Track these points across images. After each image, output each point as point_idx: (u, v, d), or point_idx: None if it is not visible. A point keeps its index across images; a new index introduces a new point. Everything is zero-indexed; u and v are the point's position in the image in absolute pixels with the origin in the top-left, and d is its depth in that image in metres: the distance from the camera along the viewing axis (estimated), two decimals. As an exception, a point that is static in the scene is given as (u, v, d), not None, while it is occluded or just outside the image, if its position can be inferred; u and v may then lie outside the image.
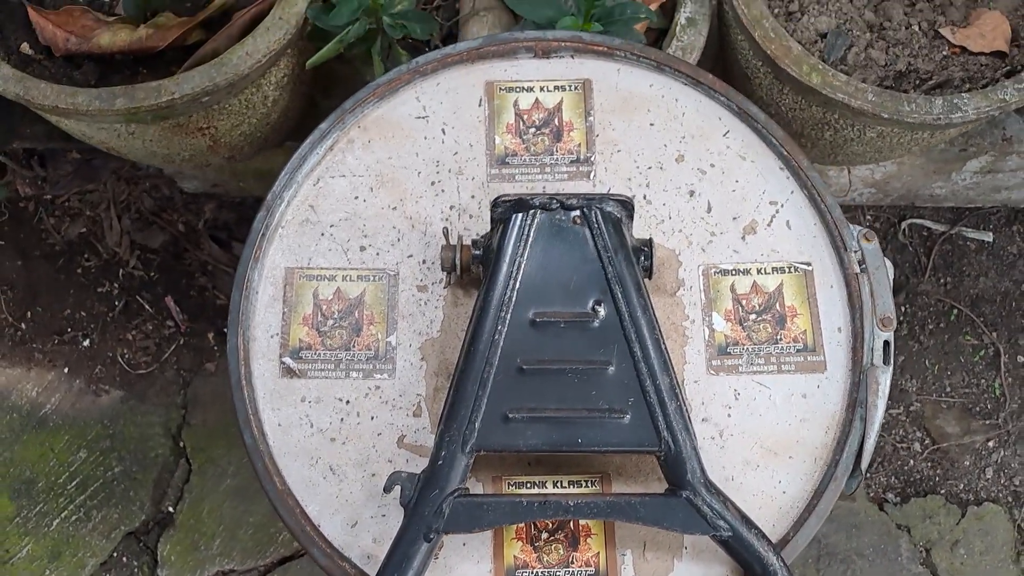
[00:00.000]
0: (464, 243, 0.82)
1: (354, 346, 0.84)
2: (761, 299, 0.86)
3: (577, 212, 0.79)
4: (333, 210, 0.88)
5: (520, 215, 0.78)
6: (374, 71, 1.13)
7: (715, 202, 0.89)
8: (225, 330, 0.89)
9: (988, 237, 1.63)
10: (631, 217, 0.81)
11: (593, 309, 0.77)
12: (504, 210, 0.79)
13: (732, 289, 0.86)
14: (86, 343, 1.52)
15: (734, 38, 1.19)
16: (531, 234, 0.79)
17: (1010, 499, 1.53)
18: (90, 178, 1.54)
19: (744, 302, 0.86)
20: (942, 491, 1.55)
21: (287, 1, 1.06)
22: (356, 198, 0.88)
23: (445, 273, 0.85)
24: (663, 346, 0.76)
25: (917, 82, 1.18)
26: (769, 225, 0.88)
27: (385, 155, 0.89)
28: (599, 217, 0.78)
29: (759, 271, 0.87)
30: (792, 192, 0.89)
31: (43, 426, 1.48)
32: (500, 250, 0.78)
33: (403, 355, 0.84)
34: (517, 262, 0.78)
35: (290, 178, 0.87)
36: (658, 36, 1.21)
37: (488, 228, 0.85)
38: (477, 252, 0.82)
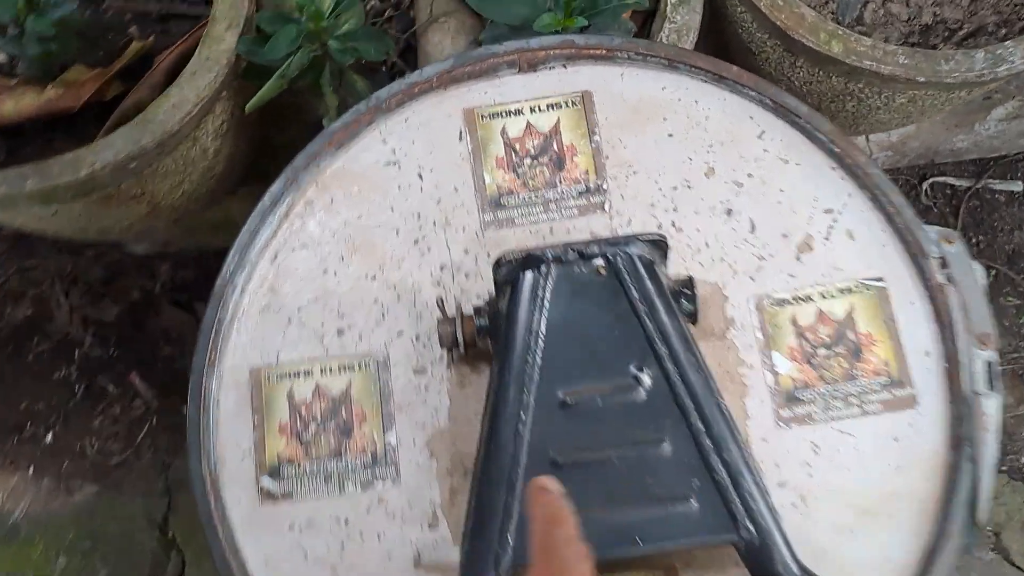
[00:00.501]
0: (465, 312, 0.66)
1: (346, 452, 0.68)
2: (829, 329, 0.70)
3: (600, 261, 0.63)
4: (299, 290, 0.71)
5: (531, 273, 0.63)
6: (326, 104, 0.96)
7: (759, 219, 0.73)
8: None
9: (1018, 187, 1.48)
10: (665, 256, 0.65)
11: (635, 377, 0.62)
12: (510, 270, 0.63)
13: (793, 321, 0.71)
14: (49, 438, 1.35)
15: (732, 11, 1.02)
16: (547, 295, 0.63)
17: (1082, 470, 1.39)
18: (28, 254, 1.37)
19: (810, 335, 0.70)
20: (1004, 468, 1.41)
21: (212, 37, 0.89)
22: (325, 272, 0.72)
23: (445, 350, 0.69)
24: (726, 411, 0.61)
25: (946, 34, 1.03)
26: (827, 239, 0.73)
27: (353, 215, 0.73)
28: (628, 264, 0.63)
29: (823, 295, 0.71)
30: (849, 195, 0.73)
31: (14, 536, 1.32)
32: (511, 319, 0.63)
33: (407, 455, 0.68)
34: (534, 331, 0.62)
35: (241, 258, 0.71)
36: (644, 19, 1.05)
37: (491, 286, 0.69)
38: (482, 322, 0.66)
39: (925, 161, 1.48)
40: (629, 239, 0.63)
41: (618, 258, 0.63)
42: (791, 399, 0.69)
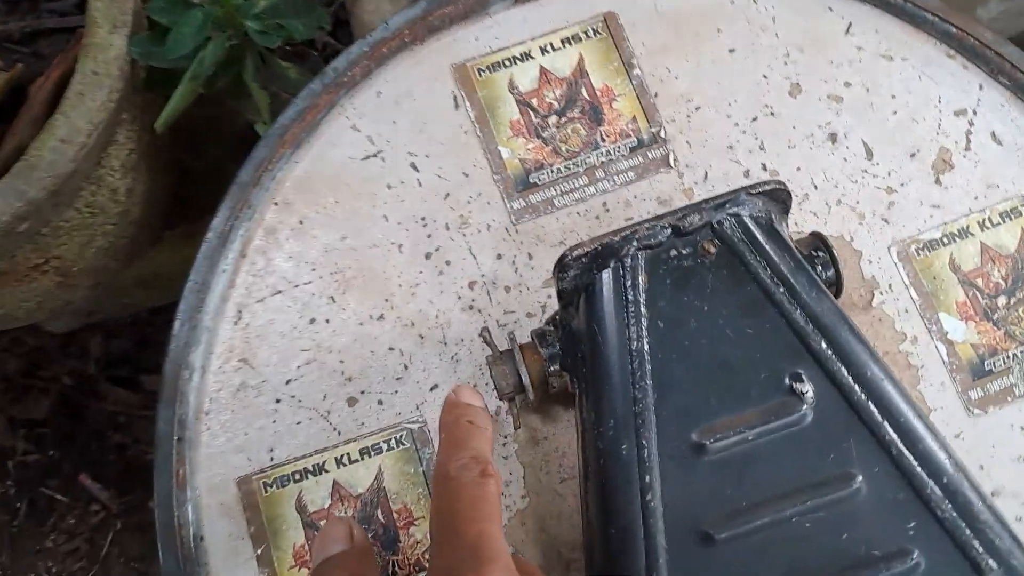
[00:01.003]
0: (521, 342, 0.46)
1: (396, 571, 0.48)
2: (1004, 268, 0.52)
3: (706, 235, 0.44)
4: (282, 355, 0.51)
5: (609, 272, 0.43)
6: (254, 106, 0.75)
7: (874, 140, 0.54)
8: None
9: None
10: (787, 211, 0.46)
11: (791, 391, 0.42)
12: (580, 272, 0.44)
13: (954, 267, 0.52)
14: (-4, 570, 1.12)
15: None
16: (641, 296, 0.43)
17: None
18: (-76, 359, 1.13)
19: (980, 281, 0.52)
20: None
21: (95, 45, 0.67)
22: (313, 322, 0.51)
23: (506, 402, 0.49)
24: (923, 414, 0.42)
25: None
26: (967, 149, 0.54)
27: (335, 236, 0.52)
28: (745, 231, 0.44)
29: (983, 225, 0.53)
30: (981, 87, 0.55)
31: None
32: (597, 339, 0.43)
33: (477, 550, 0.48)
34: (635, 351, 0.43)
35: (191, 327, 0.50)
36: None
37: (544, 298, 0.50)
38: (551, 351, 0.46)
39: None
40: (738, 196, 0.44)
41: (731, 226, 0.44)
42: (979, 373, 0.50)
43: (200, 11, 0.64)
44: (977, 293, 0.52)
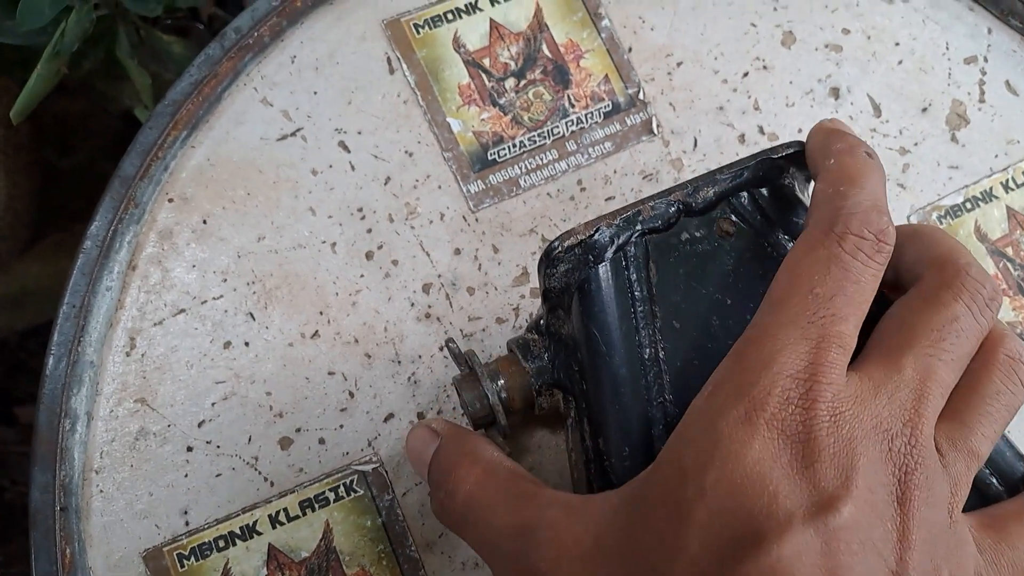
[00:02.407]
0: (497, 356, 0.37)
1: (351, 645, 0.38)
2: (1034, 235, 0.45)
3: (724, 212, 0.35)
4: (191, 391, 0.40)
5: (608, 266, 0.34)
6: (132, 88, 0.63)
7: (879, 94, 0.46)
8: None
9: None
10: (809, 179, 0.38)
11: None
12: (572, 266, 0.34)
13: (980, 235, 0.45)
14: None
15: None
16: (652, 292, 0.35)
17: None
18: None
19: (1010, 251, 0.45)
20: None
21: (-75, 15, 0.54)
22: (228, 346, 0.40)
23: (480, 430, 0.39)
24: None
25: None
26: (982, 101, 0.47)
27: (250, 237, 0.42)
28: (772, 205, 0.35)
29: (1007, 186, 0.46)
30: (989, 31, 0.48)
31: None
32: (597, 350, 0.34)
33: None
34: (646, 361, 0.34)
35: (69, 367, 0.39)
36: None
37: (513, 298, 0.41)
38: (539, 364, 0.37)
39: None
40: (757, 162, 0.35)
41: (754, 199, 0.35)
42: (1021, 355, 0.43)
43: (57, -29, 0.52)
44: (1007, 263, 0.44)
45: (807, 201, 0.37)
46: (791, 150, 0.36)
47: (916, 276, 0.31)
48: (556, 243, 0.34)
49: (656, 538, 0.27)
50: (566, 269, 0.34)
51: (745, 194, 0.36)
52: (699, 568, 0.25)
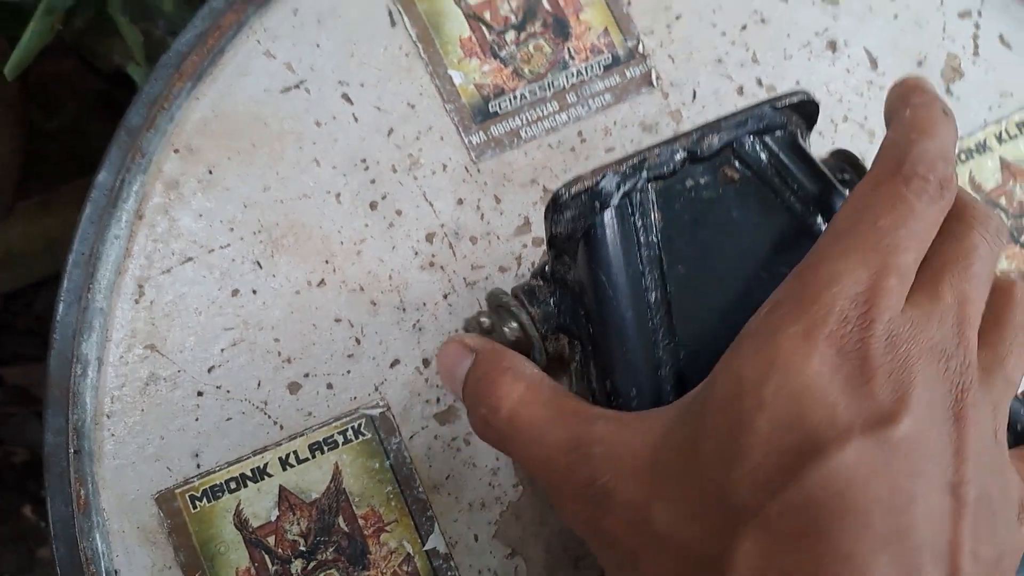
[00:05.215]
0: (508, 302, 0.39)
1: (360, 586, 0.40)
2: (1026, 185, 0.47)
3: (728, 159, 0.37)
4: (200, 337, 0.42)
5: (613, 211, 0.36)
6: (124, 46, 0.65)
7: (876, 47, 0.48)
8: (44, 493, 0.45)
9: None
10: (811, 127, 0.40)
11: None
12: (578, 213, 0.36)
13: (975, 186, 0.47)
14: None
15: None
16: (657, 237, 0.37)
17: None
18: None
19: (1004, 201, 0.47)
20: None
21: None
22: (236, 293, 0.42)
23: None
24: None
25: None
26: (976, 54, 0.49)
27: (256, 187, 0.43)
28: (774, 152, 0.37)
29: (1000, 138, 0.48)
30: (986, -17, 0.50)
31: None
32: (604, 294, 0.36)
33: (471, 568, 0.41)
34: (652, 304, 0.36)
35: (80, 313, 0.41)
36: None
37: (517, 247, 0.43)
38: (545, 309, 0.39)
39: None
40: (761, 110, 0.38)
41: (755, 147, 0.37)
42: None
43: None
44: (1002, 214, 0.47)
45: (808, 148, 0.39)
46: (795, 99, 0.38)
47: None
48: (563, 189, 0.36)
49: (716, 448, 0.28)
50: (572, 215, 0.36)
51: (749, 141, 0.38)
52: (761, 477, 0.27)
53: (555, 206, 0.36)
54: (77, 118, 0.81)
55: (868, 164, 0.37)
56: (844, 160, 0.41)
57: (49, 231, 0.71)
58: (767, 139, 0.38)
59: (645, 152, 0.36)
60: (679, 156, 0.37)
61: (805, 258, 0.31)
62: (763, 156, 0.37)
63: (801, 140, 0.39)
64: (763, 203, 0.37)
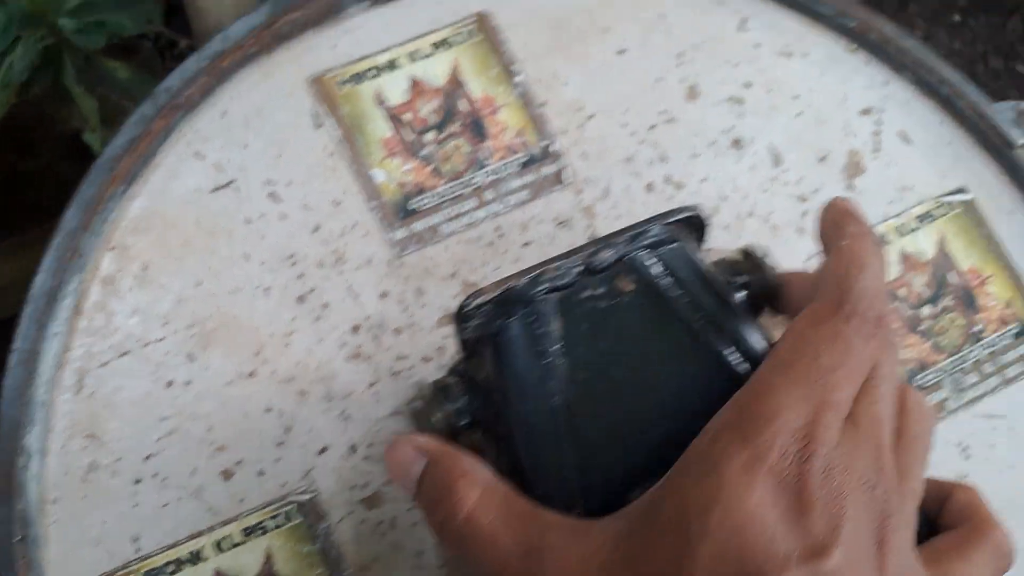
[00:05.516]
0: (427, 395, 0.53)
1: (288, 664, 0.54)
2: (924, 276, 0.64)
3: (623, 270, 0.51)
4: (137, 427, 0.56)
5: (517, 320, 0.49)
6: (80, 113, 0.80)
7: (780, 144, 0.65)
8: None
9: None
10: (701, 238, 0.55)
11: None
12: (485, 321, 0.50)
13: (873, 278, 0.64)
14: None
15: None
16: (557, 345, 0.50)
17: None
18: None
19: (903, 292, 0.63)
20: None
21: None
22: (170, 385, 0.57)
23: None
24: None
25: None
26: (877, 150, 0.66)
27: (188, 282, 0.59)
28: (666, 260, 0.51)
29: (900, 231, 0.65)
30: (887, 83, 0.67)
31: None
32: (509, 399, 0.49)
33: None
34: (556, 409, 0.49)
35: (22, 407, 0.55)
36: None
37: (436, 338, 0.58)
38: (459, 404, 0.52)
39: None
40: (650, 226, 0.52)
41: (650, 260, 0.51)
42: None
43: (2, 9, 0.69)
44: (903, 305, 0.63)
45: (697, 260, 0.53)
46: (683, 215, 0.53)
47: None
48: (468, 300, 0.50)
49: (661, 571, 0.37)
50: (478, 323, 0.51)
51: (641, 254, 0.52)
52: None
53: (462, 316, 0.51)
54: (52, 161, 0.96)
55: (770, 259, 0.51)
56: (747, 258, 0.56)
57: (26, 268, 0.85)
58: (660, 251, 0.52)
59: (544, 266, 0.51)
60: (576, 269, 0.52)
61: (748, 384, 0.41)
62: (655, 269, 0.52)
63: (690, 253, 0.54)
64: (658, 313, 0.51)
